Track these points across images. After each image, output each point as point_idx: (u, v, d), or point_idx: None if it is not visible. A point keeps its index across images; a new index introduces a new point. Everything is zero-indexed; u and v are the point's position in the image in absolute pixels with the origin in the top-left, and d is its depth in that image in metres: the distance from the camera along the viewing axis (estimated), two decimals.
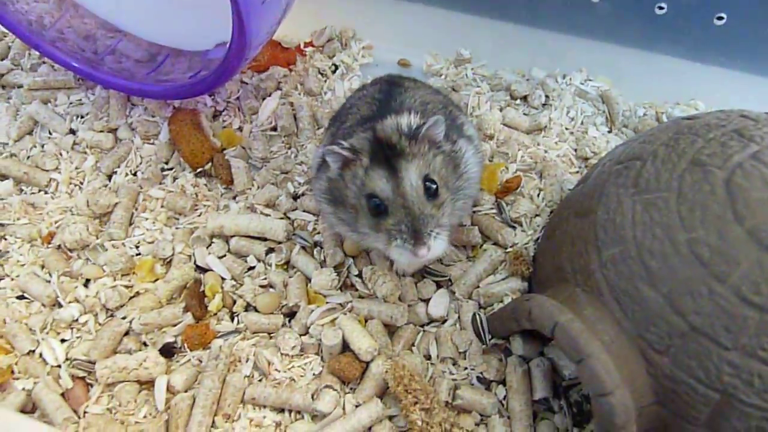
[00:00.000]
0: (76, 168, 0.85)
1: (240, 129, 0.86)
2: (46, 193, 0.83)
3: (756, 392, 0.50)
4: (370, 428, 0.65)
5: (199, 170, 0.83)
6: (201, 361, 0.70)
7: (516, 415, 0.65)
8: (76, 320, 0.73)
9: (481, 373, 0.68)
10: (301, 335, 0.71)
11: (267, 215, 0.79)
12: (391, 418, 0.66)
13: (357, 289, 0.74)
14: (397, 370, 0.65)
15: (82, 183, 0.84)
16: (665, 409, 0.55)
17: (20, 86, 0.91)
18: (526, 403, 0.66)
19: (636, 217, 0.56)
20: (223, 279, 0.76)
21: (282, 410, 0.67)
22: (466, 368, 0.68)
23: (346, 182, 0.63)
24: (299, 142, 0.85)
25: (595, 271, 0.58)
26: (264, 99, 0.87)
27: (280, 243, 0.77)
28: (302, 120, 0.86)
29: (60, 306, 0.74)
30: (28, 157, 0.86)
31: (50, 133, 0.88)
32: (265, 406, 0.67)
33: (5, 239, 0.79)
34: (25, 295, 0.75)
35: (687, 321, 0.52)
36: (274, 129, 0.86)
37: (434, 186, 0.61)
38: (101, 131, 0.87)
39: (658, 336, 0.53)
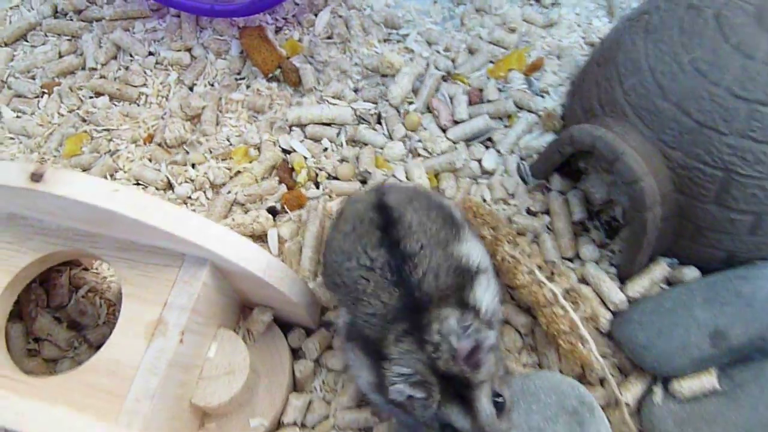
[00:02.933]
0: (161, 83, 0.99)
1: (300, 40, 1.01)
2: (138, 105, 0.98)
3: (749, 165, 0.68)
4: None
5: (270, 76, 0.98)
6: (298, 218, 0.86)
7: (560, 233, 0.82)
8: (190, 197, 0.88)
9: (528, 207, 0.85)
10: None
11: (335, 104, 0.94)
12: None
13: (420, 155, 0.90)
14: (466, 201, 0.81)
15: (168, 95, 0.98)
16: (682, 194, 0.72)
17: (99, 19, 1.05)
18: (567, 223, 0.82)
19: (648, 52, 0.73)
20: (305, 158, 0.91)
21: None
22: (516, 205, 0.85)
23: (416, 413, 0.59)
24: (352, 47, 1.00)
25: (619, 99, 0.75)
26: (317, 13, 1.02)
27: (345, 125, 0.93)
28: (353, 28, 1.01)
29: (172, 188, 0.89)
30: (116, 78, 1.00)
31: (132, 56, 1.01)
32: None
33: (113, 141, 0.93)
34: (140, 182, 0.89)
35: (693, 119, 0.69)
36: (329, 37, 1.01)
37: (501, 400, 0.59)
38: (178, 50, 1.01)
39: (672, 136, 0.70)
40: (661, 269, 0.77)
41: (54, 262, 0.70)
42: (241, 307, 0.76)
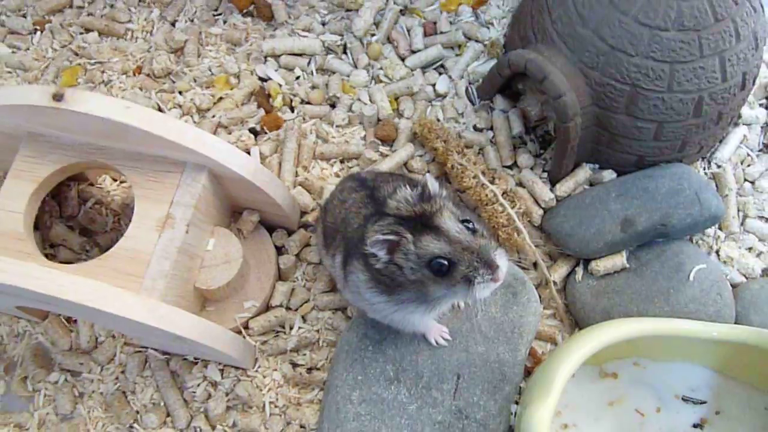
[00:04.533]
0: (145, 19, 1.08)
1: None
2: (125, 40, 1.07)
3: (651, 81, 0.82)
4: (405, 164, 0.96)
5: (245, 12, 1.08)
6: (276, 137, 0.98)
7: (502, 145, 0.96)
8: (183, 121, 0.99)
9: (475, 124, 0.99)
10: (347, 113, 0.99)
11: (305, 37, 1.05)
12: (420, 157, 0.96)
13: (381, 81, 1.02)
14: (421, 120, 0.95)
15: (152, 30, 1.08)
16: (598, 107, 0.86)
17: None
18: (507, 137, 0.97)
19: None
20: (280, 85, 1.03)
21: (342, 160, 0.97)
22: (464, 122, 0.99)
23: (400, 264, 0.63)
24: None
25: (548, 27, 0.88)
26: None
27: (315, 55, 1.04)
28: None
29: (162, 112, 1.00)
30: (102, 16, 1.09)
31: None
32: (329, 160, 0.97)
33: (105, 73, 1.03)
34: None
35: (607, 43, 0.83)
36: None
37: (470, 223, 0.64)
38: None
39: (590, 58, 0.84)
40: (584, 172, 0.92)
41: (72, 173, 0.81)
42: (231, 211, 0.89)
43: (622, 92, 0.84)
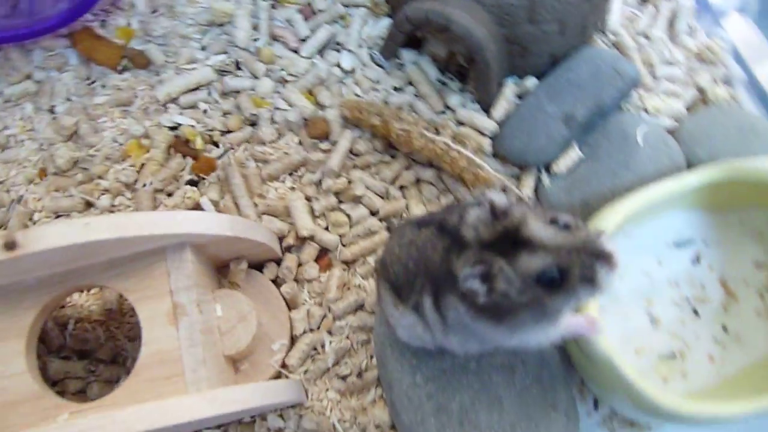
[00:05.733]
0: (21, 118, 0.99)
1: (129, 24, 1.04)
2: (11, 148, 0.98)
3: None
4: (351, 151, 0.96)
5: (120, 69, 1.02)
6: (217, 179, 0.96)
7: (427, 95, 0.98)
8: (113, 205, 0.94)
9: (394, 86, 1.00)
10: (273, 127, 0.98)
11: (193, 69, 1.01)
12: (361, 138, 0.97)
13: (287, 81, 1.01)
14: (346, 104, 0.95)
15: (33, 127, 0.99)
16: (503, 27, 0.90)
17: None
18: (429, 85, 0.99)
19: None
20: (193, 126, 0.99)
21: (291, 173, 0.96)
22: (384, 88, 1.00)
23: (503, 292, 0.58)
24: (179, 11, 1.05)
25: None
26: None
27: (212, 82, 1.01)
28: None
29: (92, 205, 0.94)
30: None
31: None
32: (278, 178, 0.95)
33: (11, 191, 0.95)
34: (59, 213, 0.93)
35: None
36: (154, 11, 1.05)
37: (562, 221, 0.59)
38: (20, 82, 1.01)
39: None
40: (510, 90, 0.97)
41: (54, 308, 0.77)
42: (216, 271, 0.87)
43: (520, 6, 0.88)
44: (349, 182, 0.94)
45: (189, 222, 0.73)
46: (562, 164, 0.94)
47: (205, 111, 1.00)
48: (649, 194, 0.84)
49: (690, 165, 0.94)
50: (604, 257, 0.56)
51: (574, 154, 0.94)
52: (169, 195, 0.94)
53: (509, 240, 0.57)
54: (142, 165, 0.96)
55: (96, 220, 0.68)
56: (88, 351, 0.87)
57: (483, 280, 0.57)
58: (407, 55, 1.00)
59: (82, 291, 0.88)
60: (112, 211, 0.93)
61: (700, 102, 1.02)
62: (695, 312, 0.88)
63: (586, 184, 0.93)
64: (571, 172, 0.94)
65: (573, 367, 0.87)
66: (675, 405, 0.72)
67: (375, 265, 0.90)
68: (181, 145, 0.97)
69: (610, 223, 0.81)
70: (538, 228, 0.57)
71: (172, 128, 0.98)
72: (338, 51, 1.02)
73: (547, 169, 0.95)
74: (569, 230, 0.58)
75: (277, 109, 0.98)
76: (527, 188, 0.95)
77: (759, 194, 0.86)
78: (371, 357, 0.88)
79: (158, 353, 0.72)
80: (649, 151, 0.92)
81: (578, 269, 0.56)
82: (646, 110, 0.99)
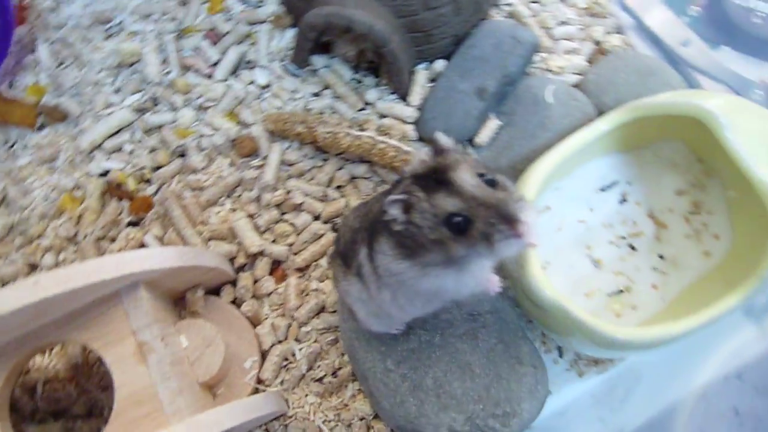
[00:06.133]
0: None
1: (37, 81, 1.03)
2: None
3: None
4: (283, 162, 0.99)
5: (38, 127, 1.01)
6: (157, 215, 0.96)
7: (346, 95, 1.01)
8: (57, 262, 0.94)
9: (312, 92, 1.03)
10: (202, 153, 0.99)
11: (110, 113, 1.01)
12: (290, 149, 0.99)
13: (207, 107, 1.02)
14: (269, 118, 0.97)
15: None
16: (402, 18, 0.94)
17: None
18: (345, 85, 1.02)
19: None
20: (122, 169, 0.99)
21: (229, 195, 0.97)
22: (302, 97, 1.02)
23: (418, 224, 0.59)
24: (86, 59, 1.05)
25: None
26: (34, 50, 1.05)
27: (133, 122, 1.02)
28: (74, 42, 1.05)
29: (36, 267, 0.93)
30: None
31: None
32: (216, 203, 0.97)
33: None
34: (4, 282, 0.93)
35: None
36: (61, 63, 1.05)
37: (489, 177, 0.59)
38: None
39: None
40: (421, 75, 1.01)
41: (18, 373, 0.76)
42: (174, 303, 0.88)
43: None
44: (287, 192, 0.96)
45: (137, 261, 0.74)
46: (484, 135, 0.99)
47: (131, 152, 1.00)
48: (568, 147, 0.89)
49: (600, 113, 0.99)
50: (509, 222, 0.56)
51: (492, 124, 0.99)
52: (113, 240, 0.94)
53: (436, 178, 0.59)
54: (80, 216, 0.96)
55: (44, 277, 0.68)
56: (63, 410, 0.86)
57: (403, 209, 0.59)
58: (318, 60, 1.03)
59: (44, 351, 0.88)
60: (57, 266, 0.93)
61: (599, 53, 1.08)
62: (632, 247, 0.94)
63: (510, 150, 0.97)
64: (494, 141, 0.99)
65: (532, 322, 0.92)
66: (628, 335, 0.77)
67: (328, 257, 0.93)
68: (114, 190, 0.97)
69: (536, 181, 0.86)
70: (463, 175, 0.58)
71: (102, 175, 0.99)
72: (251, 69, 1.05)
73: (471, 142, 1.00)
74: (493, 187, 0.59)
75: (202, 136, 0.99)
76: None
77: (665, 128, 0.92)
78: (342, 354, 0.91)
79: (133, 394, 0.73)
80: (560, 108, 0.98)
81: (481, 224, 0.57)
82: (550, 71, 1.05)
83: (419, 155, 0.63)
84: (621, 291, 0.92)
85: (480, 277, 0.66)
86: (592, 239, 0.95)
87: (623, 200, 0.97)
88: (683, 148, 0.96)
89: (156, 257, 0.76)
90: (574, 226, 0.96)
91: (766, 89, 1.00)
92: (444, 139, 0.63)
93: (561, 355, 0.93)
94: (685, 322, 0.78)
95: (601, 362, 0.92)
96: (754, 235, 0.85)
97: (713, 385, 0.91)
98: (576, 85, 1.04)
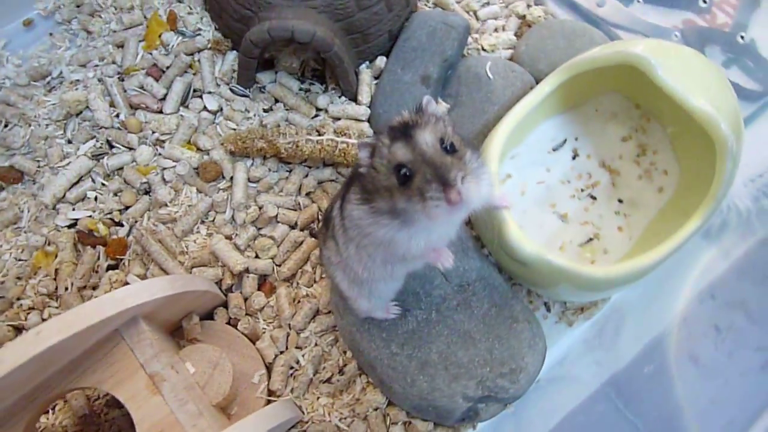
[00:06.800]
0: None
1: None
2: None
3: None
4: (250, 180, 1.00)
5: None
6: (134, 254, 0.97)
7: (297, 106, 1.04)
8: (43, 319, 0.92)
9: (263, 108, 1.05)
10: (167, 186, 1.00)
11: (68, 164, 1.01)
12: (254, 167, 1.01)
13: (162, 141, 1.03)
14: (227, 138, 0.99)
15: None
16: (338, 22, 0.98)
17: None
18: (294, 96, 1.05)
19: None
20: (91, 216, 0.99)
21: (202, 221, 0.98)
22: (255, 114, 1.05)
23: (377, 168, 0.63)
24: (30, 117, 1.04)
25: None
26: None
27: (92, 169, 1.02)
28: (12, 104, 1.05)
29: (21, 329, 0.92)
30: None
31: None
32: (192, 231, 0.98)
33: None
34: None
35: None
36: (6, 125, 1.04)
37: (450, 143, 0.62)
38: None
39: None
40: (366, 74, 1.05)
41: (34, 425, 0.75)
42: (171, 336, 0.89)
43: (348, 1, 0.96)
44: (260, 208, 0.98)
45: (132, 295, 0.74)
46: None
47: (96, 198, 1.00)
48: (517, 114, 0.95)
49: (538, 80, 1.06)
50: (443, 185, 0.58)
51: (442, 107, 1.03)
52: (95, 288, 0.94)
53: (404, 132, 0.62)
54: (56, 270, 0.95)
55: (45, 326, 0.68)
56: None
57: (370, 153, 0.65)
58: (264, 77, 1.05)
59: (47, 411, 0.87)
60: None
61: (525, 26, 1.15)
62: (592, 197, 1.00)
63: (461, 128, 1.02)
64: None
65: (518, 284, 0.97)
66: (608, 272, 0.82)
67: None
68: (86, 238, 0.97)
69: (494, 153, 0.90)
70: (424, 134, 0.62)
71: (71, 225, 0.98)
72: (199, 97, 1.06)
73: None
74: (448, 153, 0.61)
75: (165, 168, 1.00)
76: None
77: (601, 81, 0.99)
78: (344, 352, 0.93)
79: (154, 426, 0.73)
80: (501, 81, 1.03)
81: (419, 180, 0.59)
82: (484, 50, 1.11)
83: (403, 113, 0.66)
84: (591, 239, 0.98)
85: (428, 240, 0.68)
86: (554, 197, 1.00)
87: (575, 156, 1.03)
88: (620, 98, 1.03)
89: (149, 288, 0.76)
90: (536, 189, 1.01)
91: (682, 32, 1.08)
92: (426, 101, 0.67)
93: (549, 310, 0.98)
94: (654, 251, 0.84)
95: (587, 308, 0.97)
96: (699, 163, 0.92)
97: (691, 308, 0.98)
98: (510, 59, 1.10)
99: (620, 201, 1.00)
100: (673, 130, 0.99)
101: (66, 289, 0.93)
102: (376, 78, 1.06)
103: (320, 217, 0.99)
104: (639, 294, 1.00)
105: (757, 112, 1.11)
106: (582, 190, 1.01)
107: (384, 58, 1.06)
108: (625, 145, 1.02)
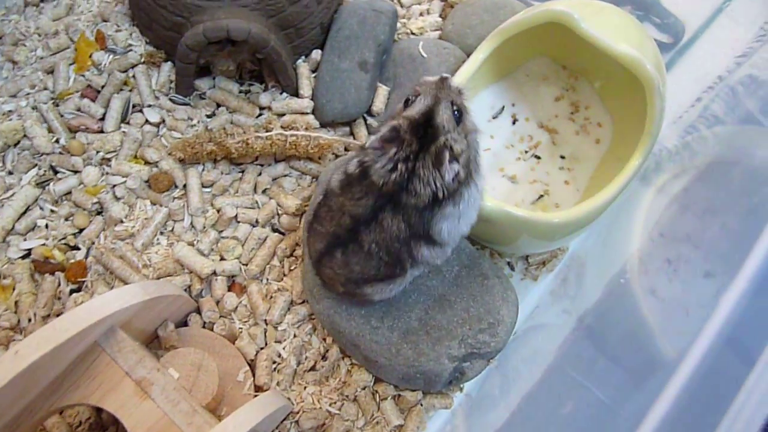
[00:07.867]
0: None
1: None
2: None
3: None
4: (204, 185, 1.00)
5: None
6: (96, 274, 0.94)
7: (238, 107, 1.05)
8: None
9: (206, 114, 1.05)
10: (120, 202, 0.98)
11: (13, 195, 0.98)
12: (208, 171, 1.01)
13: (108, 159, 1.01)
14: (175, 146, 0.99)
15: None
16: (271, 18, 0.99)
17: None
18: (235, 97, 1.05)
19: None
20: (44, 244, 0.96)
21: (161, 232, 0.97)
22: (200, 120, 1.04)
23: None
24: None
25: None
26: None
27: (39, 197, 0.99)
28: None
29: None
30: None
31: None
32: (152, 243, 0.96)
33: None
34: None
35: None
36: None
37: (460, 108, 0.76)
38: None
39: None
40: (303, 67, 1.07)
41: None
42: (147, 346, 0.87)
43: None
44: (218, 211, 0.98)
45: (107, 304, 0.73)
46: (378, 103, 1.06)
47: (46, 225, 0.97)
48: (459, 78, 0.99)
49: (469, 54, 1.10)
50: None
51: (382, 91, 1.07)
52: (59, 314, 0.91)
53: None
54: (16, 303, 0.92)
55: (22, 344, 0.66)
56: None
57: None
58: (203, 83, 1.06)
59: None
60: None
61: (448, 8, 1.20)
62: (536, 157, 1.05)
63: None
64: (389, 106, 1.07)
65: (481, 248, 1.00)
66: (564, 216, 0.86)
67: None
68: (43, 266, 0.94)
69: None
70: (442, 108, 0.73)
71: (25, 256, 0.95)
72: (140, 111, 1.05)
73: (369, 112, 1.07)
74: (455, 119, 0.74)
75: (115, 186, 0.99)
76: (363, 136, 1.06)
77: (527, 46, 1.04)
78: (324, 339, 0.94)
79: (151, 428, 0.72)
80: (435, 58, 1.07)
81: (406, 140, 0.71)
82: (413, 33, 1.15)
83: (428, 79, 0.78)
84: (541, 196, 1.02)
85: None
86: (501, 161, 1.05)
87: (515, 121, 1.08)
88: (548, 61, 1.09)
89: (124, 296, 0.75)
90: (483, 156, 1.05)
91: None
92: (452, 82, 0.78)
93: (513, 269, 1.02)
94: (604, 191, 0.89)
95: (548, 261, 1.02)
96: (629, 111, 0.99)
97: (644, 247, 1.04)
98: (441, 38, 1.14)
99: (562, 157, 1.05)
100: (600, 84, 1.06)
101: (29, 320, 0.90)
102: (314, 71, 1.08)
103: (280, 212, 1.00)
104: (593, 242, 1.05)
105: (672, 60, 1.20)
106: (526, 152, 1.06)
107: (319, 51, 1.08)
108: (558, 104, 1.08)
